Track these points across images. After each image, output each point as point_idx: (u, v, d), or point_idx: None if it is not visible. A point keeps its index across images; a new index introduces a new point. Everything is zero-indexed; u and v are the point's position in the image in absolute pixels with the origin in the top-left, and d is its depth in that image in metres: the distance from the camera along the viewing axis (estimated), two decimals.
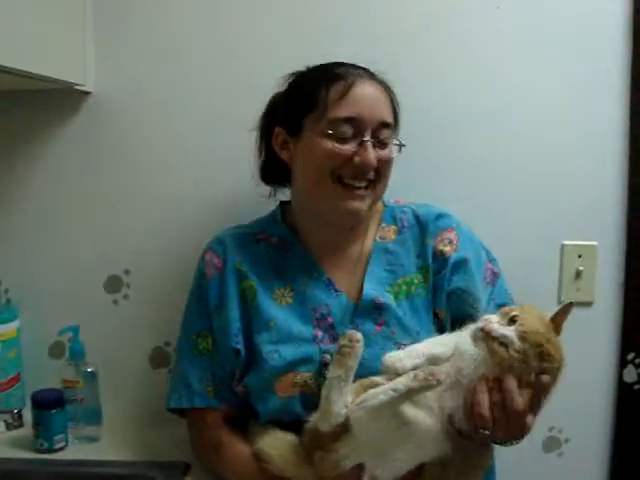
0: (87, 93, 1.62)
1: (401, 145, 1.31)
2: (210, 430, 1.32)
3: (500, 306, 1.29)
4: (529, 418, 1.04)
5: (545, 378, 1.01)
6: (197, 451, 1.37)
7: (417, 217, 1.36)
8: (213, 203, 1.62)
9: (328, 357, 1.23)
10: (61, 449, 1.44)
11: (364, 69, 1.30)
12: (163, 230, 1.64)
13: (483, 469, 1.15)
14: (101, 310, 1.66)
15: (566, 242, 1.59)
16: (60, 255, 1.66)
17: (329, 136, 1.24)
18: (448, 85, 1.57)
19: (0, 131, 1.64)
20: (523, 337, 1.00)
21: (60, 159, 1.65)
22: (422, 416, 1.05)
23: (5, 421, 1.55)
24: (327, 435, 1.11)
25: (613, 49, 1.54)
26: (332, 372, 1.11)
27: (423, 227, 1.35)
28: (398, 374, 1.06)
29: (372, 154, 1.23)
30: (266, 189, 1.45)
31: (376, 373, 1.13)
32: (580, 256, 1.59)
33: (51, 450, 1.43)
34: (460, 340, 1.09)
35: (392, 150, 1.29)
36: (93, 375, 1.50)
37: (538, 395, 1.03)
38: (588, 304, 1.61)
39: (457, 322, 1.25)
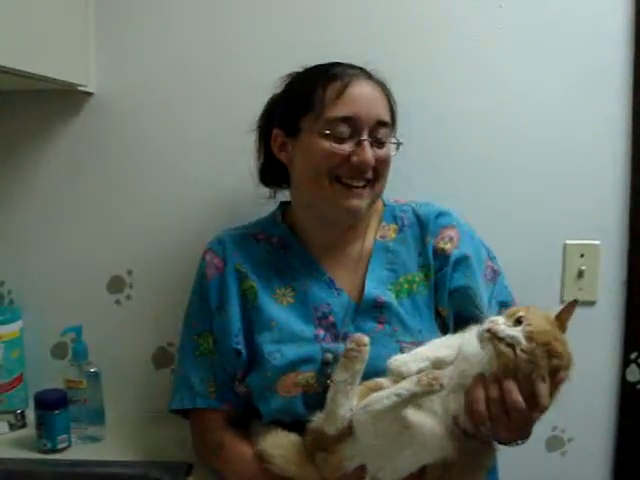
0: (89, 94, 1.62)
1: (399, 144, 1.31)
2: (212, 431, 1.32)
3: (501, 304, 1.30)
4: (534, 415, 1.03)
5: (562, 375, 1.01)
6: (199, 452, 1.37)
7: (417, 216, 1.36)
8: (215, 204, 1.62)
9: (330, 356, 1.23)
10: (64, 449, 1.45)
11: (360, 68, 1.30)
12: (165, 230, 1.64)
13: (486, 469, 1.15)
14: (104, 310, 1.66)
15: (568, 241, 1.59)
16: (63, 255, 1.66)
17: (326, 136, 1.24)
18: (449, 84, 1.57)
19: (3, 131, 1.65)
20: (530, 337, 1.00)
21: (62, 160, 1.65)
22: (425, 420, 1.05)
23: (8, 421, 1.55)
24: (330, 436, 1.11)
25: (615, 49, 1.54)
26: (338, 376, 1.11)
27: (423, 225, 1.35)
28: (403, 378, 1.06)
29: (370, 153, 1.24)
30: (266, 190, 1.45)
31: (378, 371, 1.13)
32: (582, 255, 1.59)
33: (54, 450, 1.43)
34: (464, 342, 1.09)
35: (390, 149, 1.30)
36: (96, 375, 1.50)
37: (554, 392, 1.02)
38: (591, 303, 1.60)
39: (459, 319, 1.26)
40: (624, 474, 1.63)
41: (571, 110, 1.56)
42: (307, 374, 1.23)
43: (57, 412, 1.43)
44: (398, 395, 1.03)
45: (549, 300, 1.56)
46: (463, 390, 1.05)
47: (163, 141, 1.63)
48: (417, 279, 1.32)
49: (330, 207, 1.28)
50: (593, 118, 1.56)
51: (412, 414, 1.05)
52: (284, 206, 1.44)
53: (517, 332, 1.01)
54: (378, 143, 1.27)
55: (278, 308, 1.30)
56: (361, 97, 1.26)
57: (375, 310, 1.28)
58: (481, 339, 1.03)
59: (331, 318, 1.29)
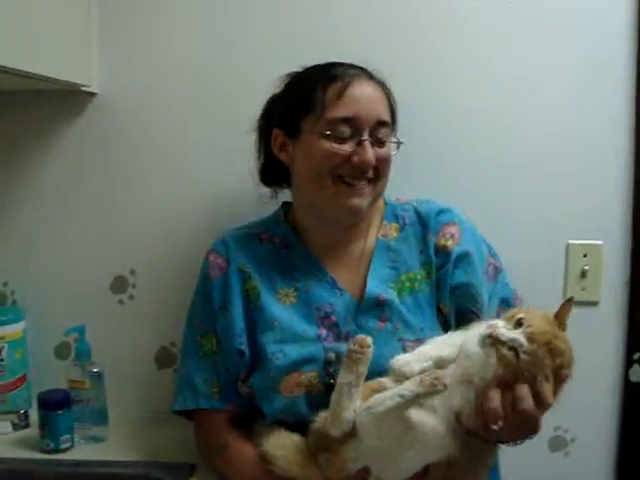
0: (93, 94, 1.63)
1: (399, 143, 1.31)
2: (216, 432, 1.32)
3: (502, 300, 1.30)
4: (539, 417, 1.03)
5: (565, 372, 1.01)
6: (203, 453, 1.37)
7: (419, 214, 1.37)
8: (218, 204, 1.62)
9: (332, 355, 1.23)
10: (67, 449, 1.45)
11: (361, 68, 1.31)
12: (168, 230, 1.64)
13: (487, 467, 1.15)
14: (107, 310, 1.67)
15: (571, 241, 1.59)
16: (66, 256, 1.67)
17: (327, 137, 1.24)
18: (453, 83, 1.57)
19: (6, 132, 1.65)
20: (531, 338, 0.99)
21: (65, 160, 1.65)
22: (428, 419, 1.05)
23: (12, 421, 1.55)
24: (333, 438, 1.11)
25: (619, 44, 1.53)
26: (342, 378, 1.10)
27: (425, 223, 1.35)
28: (406, 377, 1.06)
29: (370, 153, 1.24)
30: (269, 190, 1.46)
31: (380, 370, 1.12)
32: (585, 255, 1.59)
33: (57, 450, 1.43)
34: (466, 340, 1.09)
35: (390, 148, 1.30)
36: (99, 375, 1.50)
37: (557, 390, 1.02)
38: (594, 303, 1.60)
39: (460, 316, 1.26)
40: (627, 474, 1.63)
41: (575, 108, 1.56)
42: (310, 374, 1.23)
43: (60, 412, 1.43)
44: (401, 396, 1.03)
45: (552, 300, 1.52)
46: (466, 387, 1.05)
47: (166, 141, 1.63)
48: (419, 277, 1.32)
49: (332, 206, 1.28)
50: (596, 118, 1.55)
51: (414, 414, 1.04)
52: (286, 206, 1.44)
53: (518, 334, 1.01)
54: (379, 143, 1.27)
55: (281, 308, 1.30)
56: (361, 97, 1.26)
57: (377, 308, 1.28)
58: (483, 344, 1.03)
59: (333, 318, 1.29)
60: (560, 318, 1.05)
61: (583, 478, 1.65)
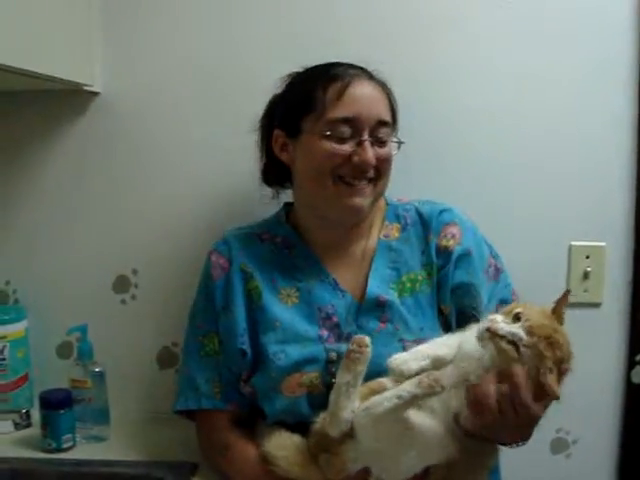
0: (95, 94, 1.62)
1: (400, 143, 1.31)
2: (218, 432, 1.32)
3: (502, 301, 1.30)
4: (537, 409, 1.02)
5: (566, 365, 1.01)
6: (205, 453, 1.37)
7: (420, 214, 1.36)
8: (221, 203, 1.62)
9: (334, 354, 1.24)
10: (69, 449, 1.45)
11: (361, 68, 1.31)
12: (171, 230, 1.64)
13: (488, 468, 1.15)
14: (109, 310, 1.67)
15: (574, 243, 1.59)
16: (68, 255, 1.67)
17: (327, 137, 1.24)
18: (454, 83, 1.57)
19: (9, 132, 1.66)
20: (531, 331, 1.00)
21: (68, 160, 1.65)
22: (426, 420, 1.05)
23: (13, 421, 1.56)
24: (333, 438, 1.11)
25: (621, 48, 1.53)
26: (341, 377, 1.11)
27: (426, 224, 1.35)
28: (403, 376, 1.06)
29: (370, 153, 1.24)
30: (271, 190, 1.46)
31: (380, 371, 1.12)
32: (588, 257, 1.59)
33: (59, 450, 1.43)
34: (464, 340, 1.09)
35: (391, 148, 1.30)
36: (101, 375, 1.50)
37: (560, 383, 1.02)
38: (596, 305, 1.60)
39: (460, 317, 1.26)
40: (629, 476, 1.62)
41: (577, 108, 1.56)
42: (311, 374, 1.23)
43: (62, 412, 1.43)
44: (399, 397, 1.03)
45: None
46: (463, 389, 1.05)
47: (169, 141, 1.63)
48: (420, 277, 1.32)
49: (332, 207, 1.28)
50: (599, 117, 1.55)
51: (413, 415, 1.05)
52: (288, 206, 1.44)
53: (517, 328, 1.01)
54: (379, 142, 1.27)
55: (282, 308, 1.30)
56: (362, 97, 1.26)
57: (377, 309, 1.28)
58: (481, 338, 1.03)
59: (335, 319, 1.29)
60: (557, 312, 1.06)
61: None
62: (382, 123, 1.27)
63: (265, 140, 1.40)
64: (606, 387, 1.62)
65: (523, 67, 1.55)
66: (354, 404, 1.10)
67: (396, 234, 1.36)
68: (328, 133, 1.24)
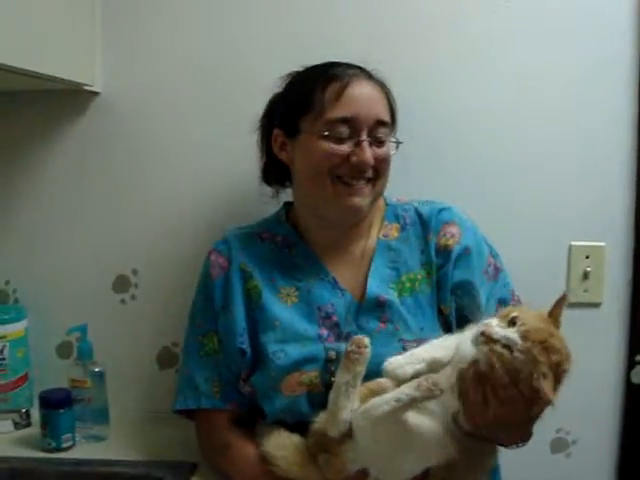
0: (95, 93, 1.63)
1: (398, 143, 1.32)
2: (218, 432, 1.32)
3: (500, 301, 1.30)
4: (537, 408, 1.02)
5: (563, 369, 1.00)
6: (205, 452, 1.37)
7: (419, 214, 1.37)
8: (221, 203, 1.62)
9: (333, 353, 1.24)
10: (69, 448, 1.45)
11: (360, 68, 1.31)
12: (171, 230, 1.64)
13: (487, 469, 1.15)
14: (109, 310, 1.67)
15: (574, 243, 1.59)
16: (68, 254, 1.67)
17: (326, 137, 1.25)
18: (453, 83, 1.57)
19: (9, 131, 1.66)
20: (526, 336, 0.99)
21: (68, 159, 1.65)
22: (425, 422, 1.05)
23: (13, 420, 1.56)
24: (333, 439, 1.12)
25: (620, 48, 1.53)
26: (340, 378, 1.11)
27: (426, 224, 1.35)
28: (399, 380, 1.07)
29: (369, 153, 1.24)
30: (271, 190, 1.46)
31: (380, 371, 1.12)
32: (588, 257, 1.59)
33: (59, 449, 1.43)
34: (461, 341, 1.09)
35: (390, 148, 1.30)
36: (101, 375, 1.50)
37: (557, 388, 1.02)
38: (596, 305, 1.60)
39: (460, 316, 1.26)
40: (629, 476, 1.62)
41: (577, 108, 1.56)
42: (311, 373, 1.24)
43: (62, 411, 1.43)
44: (397, 400, 1.03)
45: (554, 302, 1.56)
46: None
47: (169, 141, 1.63)
48: (419, 277, 1.32)
49: (331, 207, 1.28)
50: (599, 117, 1.55)
51: (412, 417, 1.05)
52: (288, 206, 1.44)
53: (512, 333, 1.00)
54: (378, 142, 1.27)
55: (282, 308, 1.30)
56: (360, 97, 1.26)
57: (377, 309, 1.28)
58: (476, 343, 1.03)
59: (334, 318, 1.29)
60: (554, 316, 1.05)
61: None
62: (381, 123, 1.27)
63: (265, 139, 1.40)
64: (606, 387, 1.62)
65: (523, 67, 1.55)
66: (353, 404, 1.10)
67: (395, 234, 1.36)
68: (326, 133, 1.24)
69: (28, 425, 1.57)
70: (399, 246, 1.34)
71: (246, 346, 1.30)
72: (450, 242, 1.32)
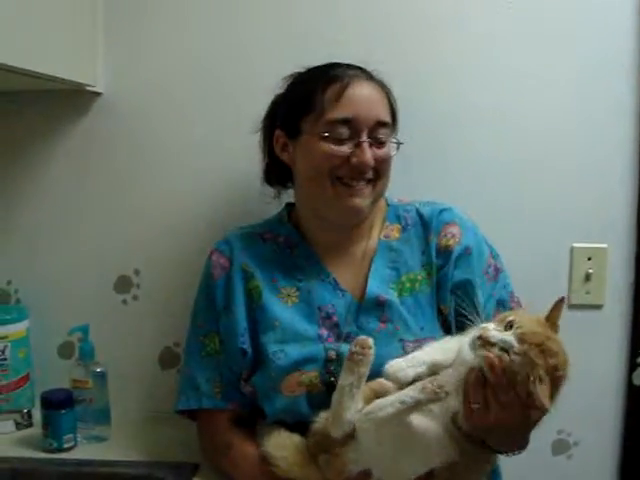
0: (98, 94, 1.63)
1: (399, 143, 1.32)
2: (219, 432, 1.33)
3: (499, 302, 1.30)
4: (533, 415, 1.02)
5: (560, 373, 1.00)
6: (207, 453, 1.37)
7: (421, 215, 1.37)
8: (223, 204, 1.62)
9: (333, 353, 1.24)
10: (70, 449, 1.45)
11: (360, 69, 1.31)
12: (173, 231, 1.64)
13: (487, 470, 1.15)
14: (111, 310, 1.67)
15: (576, 244, 1.59)
16: (70, 255, 1.67)
17: (326, 138, 1.25)
18: (455, 82, 1.57)
19: (12, 132, 1.66)
20: (522, 339, 0.99)
21: (70, 160, 1.66)
22: (427, 424, 1.05)
23: (15, 421, 1.56)
24: (334, 439, 1.11)
25: (622, 47, 1.53)
26: (344, 379, 1.11)
27: (427, 224, 1.35)
28: (400, 383, 1.07)
29: (369, 154, 1.24)
30: (273, 190, 1.46)
31: (380, 371, 1.12)
32: (590, 259, 1.59)
33: (60, 450, 1.43)
34: (462, 344, 1.09)
35: (390, 148, 1.30)
36: (102, 375, 1.50)
37: (554, 392, 1.02)
38: (598, 307, 1.60)
39: (458, 315, 1.25)
40: (630, 478, 1.62)
41: (578, 108, 1.56)
42: (311, 374, 1.24)
43: (63, 412, 1.43)
44: (402, 402, 1.03)
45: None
46: (461, 392, 1.05)
47: (171, 141, 1.63)
48: (419, 277, 1.32)
49: (332, 208, 1.29)
50: (602, 121, 1.55)
51: (415, 419, 1.05)
52: (290, 206, 1.44)
53: (509, 336, 1.00)
54: (378, 143, 1.27)
55: (282, 308, 1.31)
56: (360, 98, 1.26)
57: (377, 309, 1.28)
58: (474, 347, 1.03)
59: (334, 318, 1.29)
60: (552, 320, 1.05)
61: None
62: (381, 124, 1.27)
63: (267, 140, 1.40)
64: (608, 389, 1.62)
65: (524, 67, 1.55)
66: (357, 405, 1.10)
67: (396, 235, 1.36)
68: (326, 134, 1.24)
69: (29, 425, 1.57)
70: (400, 247, 1.34)
71: (247, 346, 1.30)
72: (451, 242, 1.32)
